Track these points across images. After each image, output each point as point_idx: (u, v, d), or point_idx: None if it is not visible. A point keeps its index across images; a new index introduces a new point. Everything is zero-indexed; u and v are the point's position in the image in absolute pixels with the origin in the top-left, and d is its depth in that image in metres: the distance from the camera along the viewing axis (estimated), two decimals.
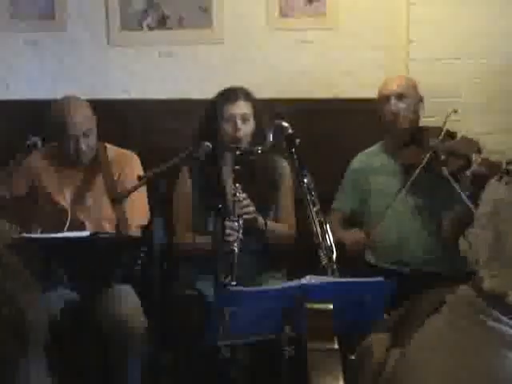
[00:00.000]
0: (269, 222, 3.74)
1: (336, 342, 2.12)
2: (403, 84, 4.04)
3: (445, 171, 3.70)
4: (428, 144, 3.83)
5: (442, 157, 3.75)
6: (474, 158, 3.63)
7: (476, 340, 1.61)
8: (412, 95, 4.03)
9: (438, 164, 3.74)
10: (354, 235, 3.96)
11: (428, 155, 3.76)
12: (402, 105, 3.99)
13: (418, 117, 4.06)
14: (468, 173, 3.64)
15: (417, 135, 3.97)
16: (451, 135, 3.90)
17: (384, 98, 4.00)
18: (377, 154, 4.15)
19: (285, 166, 3.92)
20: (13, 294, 1.32)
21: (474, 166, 3.59)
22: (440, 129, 3.90)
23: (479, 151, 3.73)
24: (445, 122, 3.84)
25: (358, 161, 4.17)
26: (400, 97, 3.99)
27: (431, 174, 3.78)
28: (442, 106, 4.11)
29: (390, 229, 3.95)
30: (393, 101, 3.98)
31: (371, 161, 4.13)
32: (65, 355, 3.66)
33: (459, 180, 3.71)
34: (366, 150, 4.19)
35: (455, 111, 3.83)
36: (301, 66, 4.60)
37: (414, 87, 4.07)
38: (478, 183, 3.49)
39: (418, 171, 3.77)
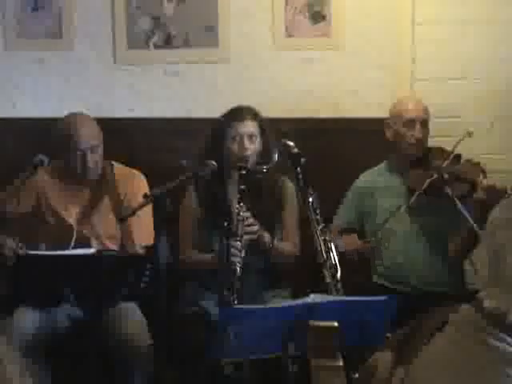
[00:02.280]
0: (275, 241, 3.75)
1: (340, 359, 2.12)
2: (426, 109, 4.01)
3: (450, 193, 3.70)
4: (434, 167, 3.82)
5: (448, 181, 3.75)
6: (479, 183, 3.63)
7: (480, 359, 1.61)
8: (429, 120, 4.02)
9: (443, 187, 3.74)
10: (349, 239, 3.92)
11: (432, 179, 3.76)
12: (424, 131, 3.97)
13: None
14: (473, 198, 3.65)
15: (424, 157, 3.96)
16: (456, 158, 3.88)
17: (408, 122, 3.96)
18: (382, 173, 4.14)
19: (290, 185, 3.92)
20: None
21: (479, 192, 3.59)
22: (445, 150, 3.91)
23: (484, 175, 3.73)
24: (455, 146, 3.81)
25: (364, 180, 4.15)
26: (424, 123, 3.97)
27: (438, 196, 3.78)
28: (445, 125, 4.12)
29: (395, 249, 3.96)
30: (418, 126, 3.94)
31: (376, 180, 4.11)
32: (69, 371, 3.67)
33: (465, 202, 3.72)
34: (370, 170, 4.18)
35: (469, 134, 3.76)
36: (306, 86, 4.61)
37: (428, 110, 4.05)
38: (482, 208, 3.49)
39: (417, 193, 3.75)
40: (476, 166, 3.82)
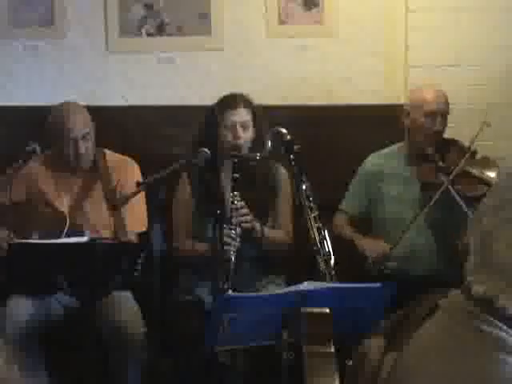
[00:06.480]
0: (266, 230, 3.74)
1: (332, 345, 2.12)
2: (447, 100, 3.91)
3: (457, 196, 3.67)
4: (449, 164, 3.78)
5: (461, 182, 3.72)
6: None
7: (472, 346, 1.61)
8: (448, 112, 3.94)
9: (455, 187, 3.72)
10: (376, 246, 3.86)
11: (445, 187, 3.71)
12: (444, 123, 3.89)
13: None
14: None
15: (438, 149, 3.87)
16: (472, 154, 3.83)
17: (430, 113, 3.87)
18: (392, 157, 4.06)
19: (283, 172, 3.92)
20: None
21: None
22: (461, 145, 3.88)
23: None
24: (472, 141, 3.78)
25: (372, 163, 4.07)
26: (444, 115, 3.90)
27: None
28: None
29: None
30: (439, 119, 3.87)
31: (385, 164, 4.03)
32: (65, 361, 3.68)
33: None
34: (380, 151, 4.09)
35: (487, 124, 3.73)
36: (300, 73, 4.60)
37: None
38: None
39: (437, 196, 3.70)
40: (492, 165, 3.80)
